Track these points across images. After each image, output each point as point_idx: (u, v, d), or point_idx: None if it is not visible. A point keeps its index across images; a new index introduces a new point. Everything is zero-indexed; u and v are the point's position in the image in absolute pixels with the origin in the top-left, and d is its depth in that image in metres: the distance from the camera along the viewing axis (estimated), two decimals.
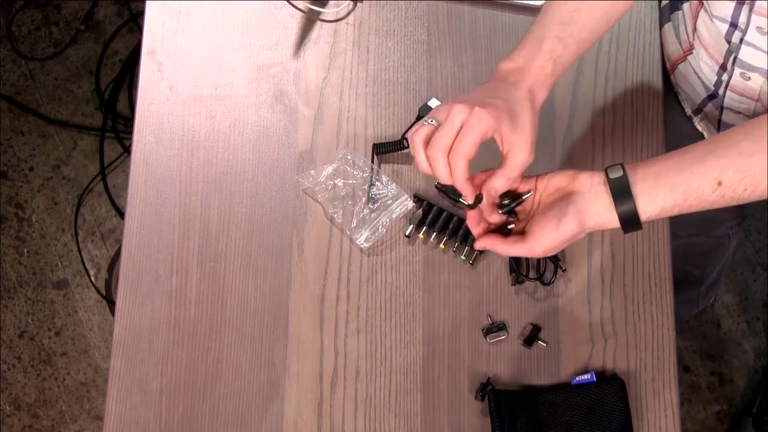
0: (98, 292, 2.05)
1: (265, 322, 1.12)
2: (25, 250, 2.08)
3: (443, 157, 0.89)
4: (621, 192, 0.88)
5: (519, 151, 0.91)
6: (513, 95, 0.93)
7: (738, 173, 0.86)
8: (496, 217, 0.96)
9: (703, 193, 0.87)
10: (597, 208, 0.89)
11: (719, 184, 0.86)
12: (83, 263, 2.06)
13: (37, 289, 2.05)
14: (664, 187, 0.87)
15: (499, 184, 0.93)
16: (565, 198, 0.91)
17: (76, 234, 2.08)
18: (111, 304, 2.02)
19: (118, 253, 2.04)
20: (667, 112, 1.21)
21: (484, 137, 0.89)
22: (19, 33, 2.23)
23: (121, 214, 2.09)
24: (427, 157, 0.90)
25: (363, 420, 1.09)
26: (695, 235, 1.42)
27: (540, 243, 0.91)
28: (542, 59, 0.95)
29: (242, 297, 1.13)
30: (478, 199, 0.94)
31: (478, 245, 0.97)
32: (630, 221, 0.89)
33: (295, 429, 1.08)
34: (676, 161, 0.88)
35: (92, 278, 2.06)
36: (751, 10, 0.95)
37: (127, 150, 2.13)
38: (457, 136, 0.89)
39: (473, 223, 0.97)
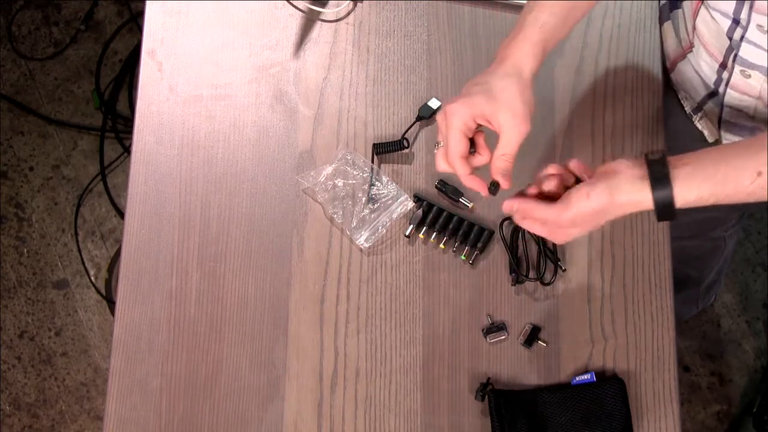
0: (98, 292, 2.04)
1: (265, 322, 1.12)
2: (25, 250, 2.08)
3: (447, 164, 0.96)
4: (659, 174, 0.87)
5: (508, 126, 0.92)
6: (496, 73, 0.95)
7: None
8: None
9: (742, 183, 0.86)
10: (631, 185, 0.87)
11: (759, 174, 0.86)
12: (83, 263, 2.06)
13: (37, 289, 2.05)
14: (701, 174, 0.86)
15: (500, 162, 0.94)
16: (601, 174, 0.90)
17: (76, 234, 2.08)
18: (111, 304, 2.02)
19: (118, 253, 2.04)
20: (667, 112, 1.21)
21: (466, 129, 0.94)
22: (19, 33, 2.23)
23: (121, 214, 2.09)
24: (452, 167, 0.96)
25: (363, 420, 1.09)
26: (691, 238, 1.42)
27: (570, 209, 0.89)
28: (527, 29, 0.96)
29: (242, 297, 1.13)
30: (494, 186, 0.95)
31: (506, 205, 0.95)
32: (665, 206, 0.87)
33: (295, 429, 1.08)
34: (715, 153, 0.88)
35: (92, 278, 2.06)
36: (751, 8, 0.95)
37: (127, 150, 2.13)
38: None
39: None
